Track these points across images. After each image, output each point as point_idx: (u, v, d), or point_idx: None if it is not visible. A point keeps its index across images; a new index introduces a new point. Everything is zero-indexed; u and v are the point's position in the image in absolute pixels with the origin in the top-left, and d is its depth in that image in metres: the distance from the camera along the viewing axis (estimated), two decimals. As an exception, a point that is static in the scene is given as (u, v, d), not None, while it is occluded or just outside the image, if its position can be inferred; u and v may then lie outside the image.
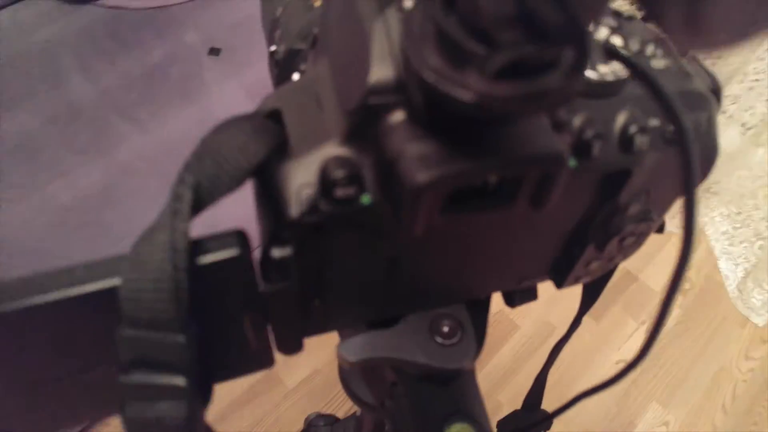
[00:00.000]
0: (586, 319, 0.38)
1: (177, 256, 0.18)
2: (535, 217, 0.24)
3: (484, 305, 0.31)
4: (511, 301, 0.33)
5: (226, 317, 0.22)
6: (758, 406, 1.37)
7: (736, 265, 1.53)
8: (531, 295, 0.33)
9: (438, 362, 0.28)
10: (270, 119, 0.21)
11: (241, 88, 1.29)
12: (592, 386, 0.28)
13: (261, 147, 0.19)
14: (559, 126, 0.20)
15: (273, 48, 0.28)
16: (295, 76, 0.26)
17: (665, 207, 0.26)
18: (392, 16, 0.18)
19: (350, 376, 0.38)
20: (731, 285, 1.52)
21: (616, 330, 1.44)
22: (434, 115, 0.17)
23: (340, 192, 0.19)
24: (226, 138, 0.19)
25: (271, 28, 0.29)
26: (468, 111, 0.16)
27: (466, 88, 0.15)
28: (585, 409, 1.39)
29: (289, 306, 0.22)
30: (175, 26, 1.46)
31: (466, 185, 0.18)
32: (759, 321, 1.48)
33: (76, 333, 0.20)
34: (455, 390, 0.30)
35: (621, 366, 0.31)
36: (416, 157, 0.17)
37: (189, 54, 1.39)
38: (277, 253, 0.20)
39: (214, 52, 1.43)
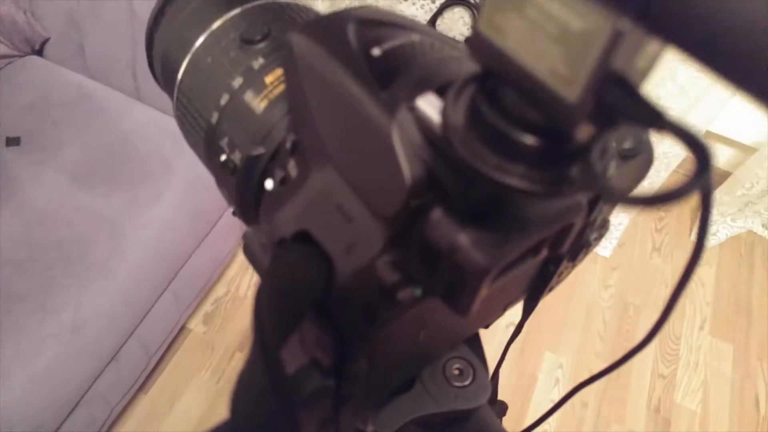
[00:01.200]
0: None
1: (285, 400, 0.18)
2: None
3: (475, 333, 0.32)
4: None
5: None
6: (625, 324, 1.55)
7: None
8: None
9: (463, 405, 0.29)
10: (298, 240, 0.21)
11: (61, 172, 1.18)
12: (596, 373, 0.30)
13: (319, 276, 0.19)
14: None
15: (223, 157, 0.27)
16: (269, 183, 0.25)
17: (613, 208, 0.29)
18: (405, 117, 0.19)
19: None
20: (573, 227, 1.68)
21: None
22: (473, 201, 0.18)
23: (401, 295, 0.19)
24: (289, 276, 0.19)
25: (209, 135, 0.28)
26: (512, 194, 0.17)
27: (521, 177, 0.17)
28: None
29: (360, 406, 0.22)
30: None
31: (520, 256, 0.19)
32: (605, 253, 1.66)
33: None
34: (478, 421, 0.31)
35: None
36: (471, 245, 0.18)
37: (-20, 151, 1.23)
38: (354, 368, 0.21)
39: (12, 142, 1.28)
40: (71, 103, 1.30)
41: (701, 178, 0.14)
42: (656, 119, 0.14)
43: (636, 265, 1.67)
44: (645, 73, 0.15)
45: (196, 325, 1.44)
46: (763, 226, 1.77)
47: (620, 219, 1.60)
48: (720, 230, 1.72)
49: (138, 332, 1.19)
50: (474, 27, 0.16)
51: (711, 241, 1.74)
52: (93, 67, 1.35)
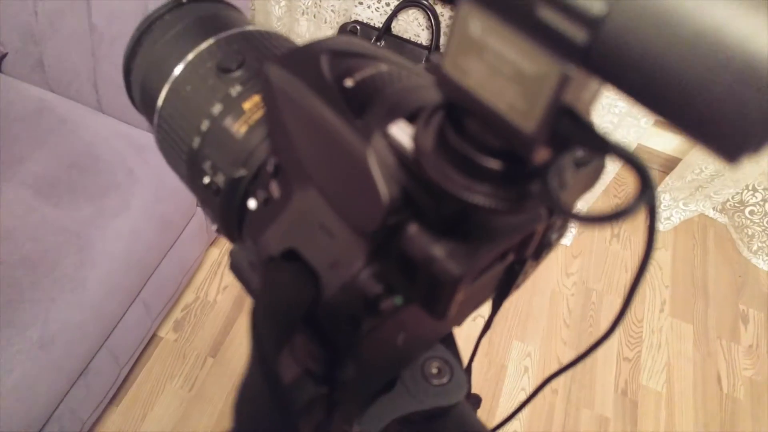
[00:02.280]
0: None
1: (285, 410, 0.19)
2: None
3: (449, 332, 0.34)
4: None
5: None
6: (588, 310, 1.59)
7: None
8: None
9: (443, 402, 0.31)
10: (286, 258, 0.22)
11: (24, 187, 1.16)
12: (565, 365, 0.33)
13: (308, 291, 0.21)
14: None
15: (206, 180, 0.28)
16: (252, 203, 0.26)
17: (573, 207, 0.32)
18: (379, 142, 0.20)
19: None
20: (535, 219, 1.73)
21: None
22: (445, 217, 0.20)
23: (384, 305, 0.21)
24: (281, 293, 0.21)
25: (191, 159, 0.29)
26: (480, 210, 0.19)
27: (487, 196, 0.19)
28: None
29: (347, 409, 0.24)
30: None
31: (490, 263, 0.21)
32: (566, 241, 1.71)
33: None
34: (457, 416, 0.33)
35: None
36: (445, 256, 0.20)
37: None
38: (343, 375, 0.22)
39: (-30, 157, 1.26)
40: (31, 117, 1.28)
41: (645, 195, 0.16)
42: (603, 145, 0.16)
43: (596, 252, 1.72)
44: (590, 103, 0.17)
45: (166, 332, 1.44)
46: (713, 208, 1.85)
47: (579, 208, 1.64)
48: (673, 215, 1.79)
49: (108, 343, 1.19)
50: (439, 67, 0.18)
51: (666, 226, 1.80)
52: (53, 80, 1.33)
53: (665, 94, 0.14)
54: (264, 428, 0.19)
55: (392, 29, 1.65)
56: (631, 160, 0.16)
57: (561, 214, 0.19)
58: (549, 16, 0.14)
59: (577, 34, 0.14)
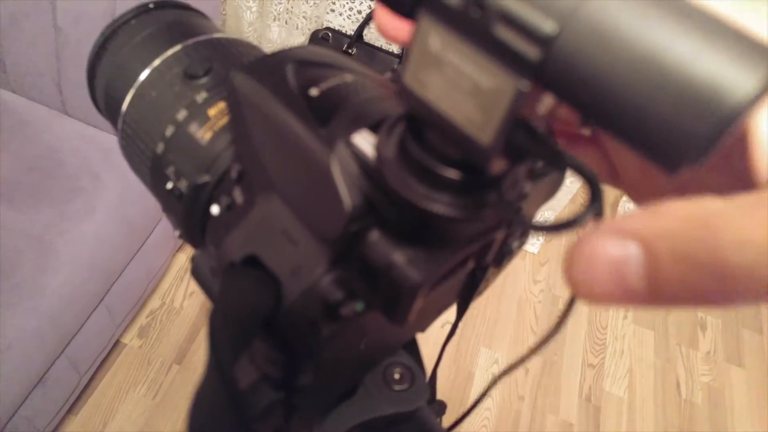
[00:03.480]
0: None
1: (240, 415, 0.19)
2: None
3: (412, 339, 0.35)
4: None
5: None
6: (555, 317, 1.62)
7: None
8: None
9: (404, 407, 0.31)
10: (247, 265, 0.22)
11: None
12: (508, 366, 0.33)
13: (269, 298, 0.21)
14: None
15: (170, 185, 0.28)
16: (215, 209, 0.26)
17: (533, 217, 0.32)
18: (343, 151, 0.21)
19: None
20: (503, 227, 1.75)
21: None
22: (405, 224, 0.20)
23: (344, 311, 0.21)
24: (240, 299, 0.21)
25: (155, 164, 0.29)
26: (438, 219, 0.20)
27: (446, 204, 0.19)
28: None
29: (308, 415, 0.24)
30: None
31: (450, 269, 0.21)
32: (533, 249, 1.73)
33: None
34: (418, 421, 0.33)
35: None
36: (406, 263, 0.20)
37: None
38: (302, 381, 0.22)
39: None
40: (-9, 117, 1.26)
41: (594, 206, 0.16)
42: (556, 156, 0.17)
43: (563, 260, 1.75)
44: (545, 117, 0.18)
45: (131, 339, 1.42)
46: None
47: (547, 215, 1.67)
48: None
49: (68, 351, 1.16)
50: (400, 80, 0.18)
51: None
52: (15, 81, 1.31)
53: (611, 111, 0.14)
54: None
55: (364, 37, 1.65)
56: (581, 171, 0.17)
57: (516, 223, 0.20)
58: (504, 33, 0.15)
59: (530, 51, 0.15)
